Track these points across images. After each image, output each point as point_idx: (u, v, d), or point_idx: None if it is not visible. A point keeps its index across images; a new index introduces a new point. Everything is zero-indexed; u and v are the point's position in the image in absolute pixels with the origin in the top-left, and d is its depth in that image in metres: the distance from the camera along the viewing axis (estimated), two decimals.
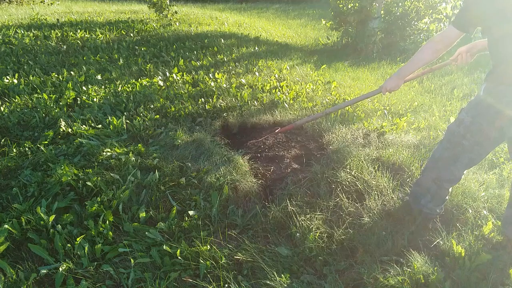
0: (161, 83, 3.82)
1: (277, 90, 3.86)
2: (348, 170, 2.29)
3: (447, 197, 1.90)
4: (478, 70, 5.34)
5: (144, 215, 1.88)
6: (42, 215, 1.74)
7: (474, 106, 1.59)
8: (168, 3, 7.26)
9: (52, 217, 1.73)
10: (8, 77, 3.65)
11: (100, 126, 2.79)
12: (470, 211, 2.00)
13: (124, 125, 2.78)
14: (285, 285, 1.50)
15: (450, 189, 1.86)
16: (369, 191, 2.12)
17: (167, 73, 4.14)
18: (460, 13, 1.52)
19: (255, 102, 3.48)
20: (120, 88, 3.58)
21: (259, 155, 2.65)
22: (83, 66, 4.25)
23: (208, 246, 1.68)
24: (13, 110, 2.98)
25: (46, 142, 2.55)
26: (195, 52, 5.26)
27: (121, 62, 4.52)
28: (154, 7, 7.10)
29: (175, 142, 2.61)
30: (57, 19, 6.67)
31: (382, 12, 6.65)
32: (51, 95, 3.26)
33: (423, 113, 3.51)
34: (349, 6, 6.67)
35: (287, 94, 3.73)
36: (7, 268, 1.50)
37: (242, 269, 1.63)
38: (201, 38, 6.05)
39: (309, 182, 2.23)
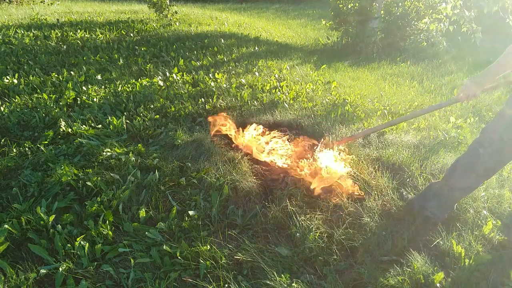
0: (161, 83, 3.82)
1: (277, 90, 3.86)
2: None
3: (454, 206, 1.90)
4: (478, 71, 5.33)
5: (144, 215, 1.88)
6: (42, 215, 1.74)
7: (498, 120, 1.59)
8: (168, 3, 7.26)
9: (52, 217, 1.73)
10: (8, 77, 3.65)
11: (100, 126, 2.79)
12: (470, 211, 2.00)
13: (124, 125, 2.78)
14: (285, 285, 1.50)
15: (460, 199, 1.86)
16: (369, 191, 2.12)
17: (167, 73, 4.14)
18: None
19: (255, 102, 3.48)
20: (120, 88, 3.58)
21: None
22: (83, 66, 4.25)
23: (208, 246, 1.68)
24: (13, 110, 2.98)
25: (46, 142, 2.55)
26: (195, 52, 5.26)
27: (121, 62, 4.52)
28: (154, 7, 7.10)
29: (175, 142, 2.61)
30: (57, 19, 6.66)
31: (382, 12, 6.65)
32: (51, 95, 3.26)
33: None
34: (349, 6, 6.68)
35: (287, 94, 3.73)
36: (7, 268, 1.50)
37: (242, 269, 1.63)
38: (201, 38, 6.05)
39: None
